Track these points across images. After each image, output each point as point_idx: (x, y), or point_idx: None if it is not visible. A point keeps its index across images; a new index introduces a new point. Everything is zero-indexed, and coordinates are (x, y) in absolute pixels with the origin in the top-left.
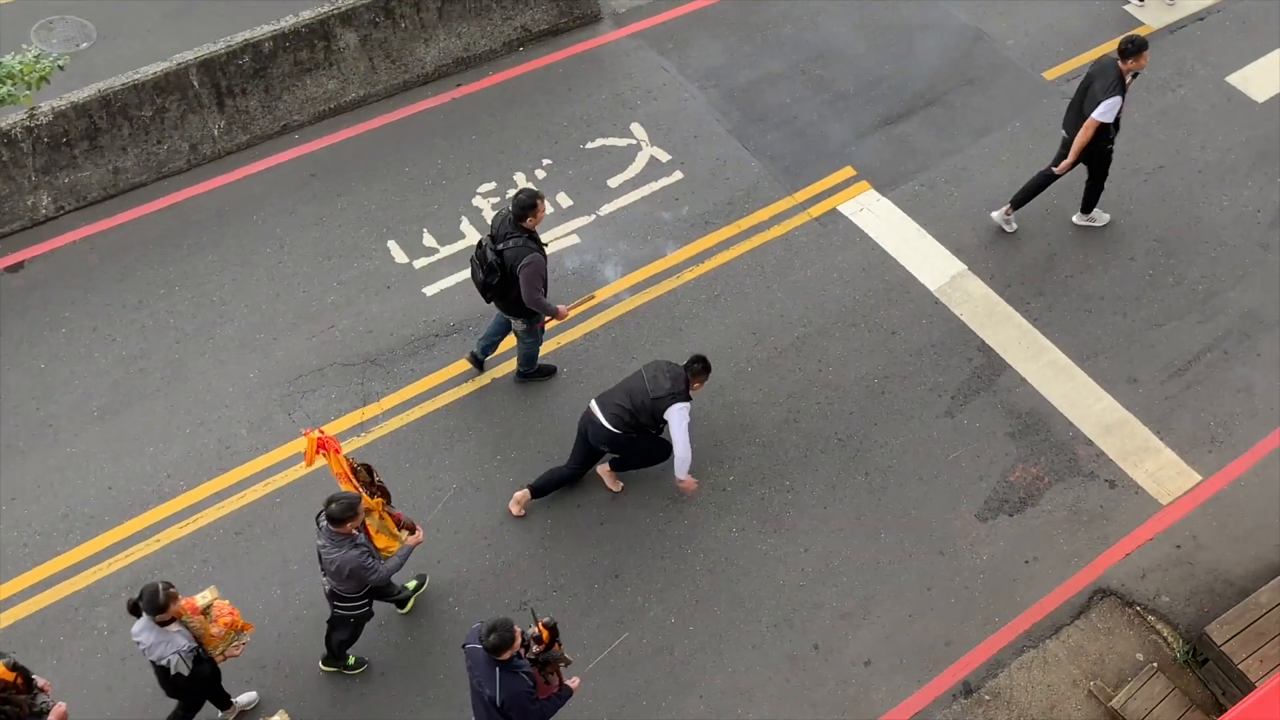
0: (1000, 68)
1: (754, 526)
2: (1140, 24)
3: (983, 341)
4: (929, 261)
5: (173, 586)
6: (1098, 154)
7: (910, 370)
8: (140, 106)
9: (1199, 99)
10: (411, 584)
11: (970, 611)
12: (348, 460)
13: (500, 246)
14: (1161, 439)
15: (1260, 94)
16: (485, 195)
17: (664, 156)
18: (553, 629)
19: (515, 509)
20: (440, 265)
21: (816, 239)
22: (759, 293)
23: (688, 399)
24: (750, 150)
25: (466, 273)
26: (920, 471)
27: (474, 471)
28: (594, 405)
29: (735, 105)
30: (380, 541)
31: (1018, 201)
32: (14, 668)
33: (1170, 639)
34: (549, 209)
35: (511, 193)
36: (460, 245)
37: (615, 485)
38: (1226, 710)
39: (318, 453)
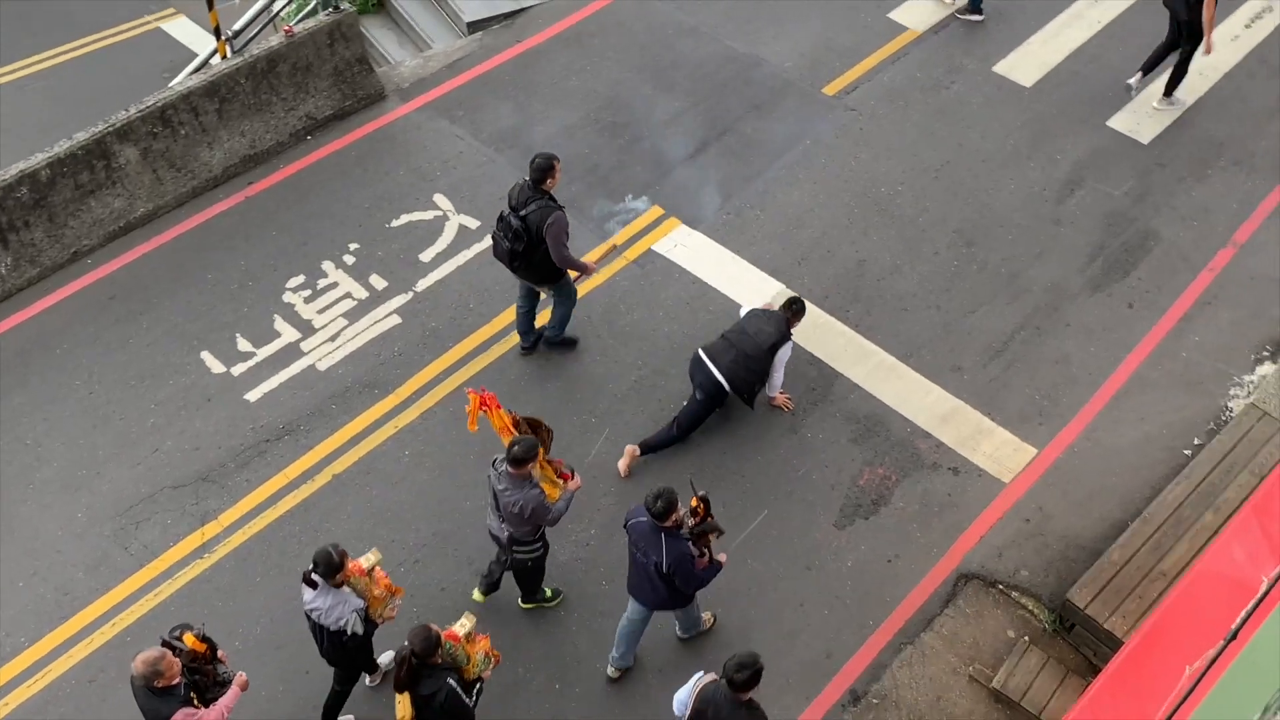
0: (783, 90)
1: (622, 575)
2: (906, 29)
3: (812, 354)
4: (746, 285)
5: (342, 547)
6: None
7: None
8: None
9: (972, 92)
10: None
11: (845, 620)
12: (509, 414)
13: (523, 213)
14: (993, 420)
15: (1027, 79)
16: (295, 290)
17: (473, 223)
18: (706, 501)
19: (624, 466)
20: (260, 368)
21: (637, 282)
22: (591, 342)
23: (790, 338)
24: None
25: (290, 372)
26: (775, 491)
27: None
28: (706, 359)
29: None
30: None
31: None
32: (202, 639)
33: (1036, 611)
34: (364, 293)
35: (323, 282)
36: (277, 345)
37: (627, 471)
38: (1101, 670)
39: (480, 409)
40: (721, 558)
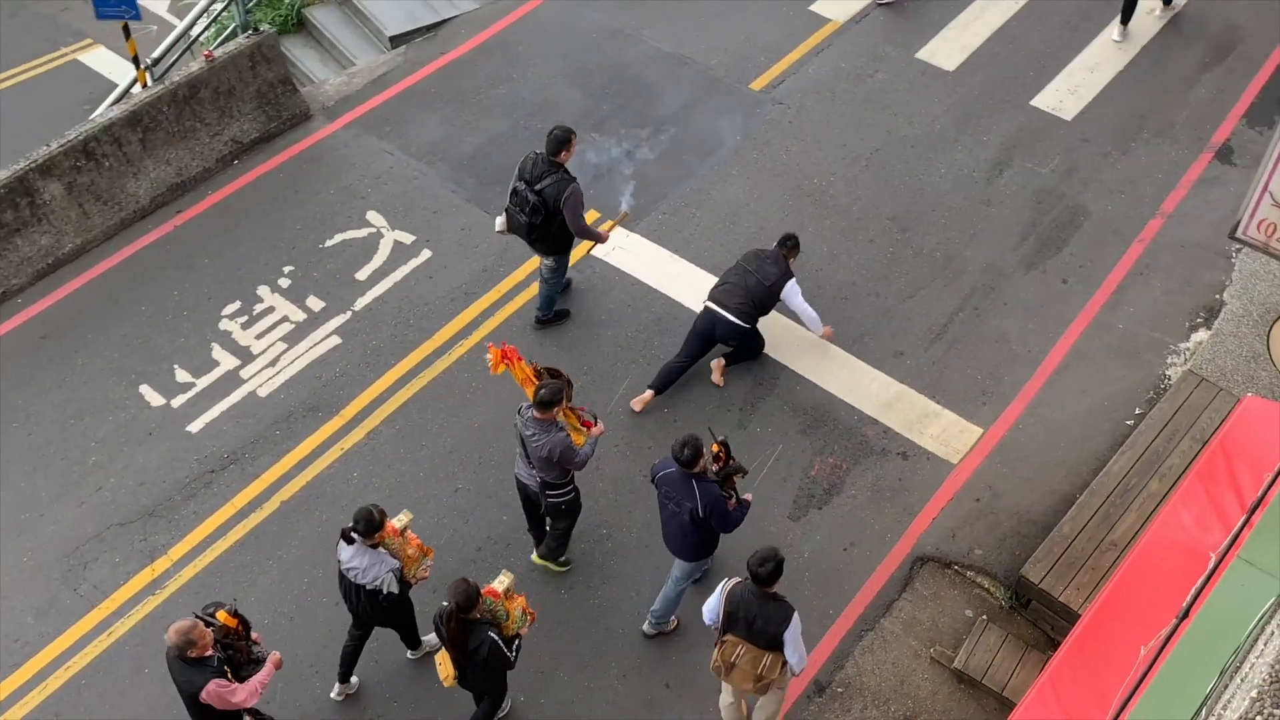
0: (710, 88)
1: (581, 584)
2: (828, 20)
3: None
4: (688, 284)
5: (381, 507)
6: None
7: (696, 391)
8: None
9: (896, 79)
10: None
11: (805, 611)
12: (531, 365)
13: (539, 186)
14: (938, 402)
15: (949, 63)
16: (232, 317)
17: (408, 238)
18: (726, 445)
19: (638, 406)
20: (200, 399)
21: (578, 287)
22: (534, 351)
23: (792, 274)
24: (493, 214)
25: (231, 400)
26: None
27: (284, 602)
28: (716, 307)
29: (467, 173)
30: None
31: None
32: (234, 615)
33: (992, 589)
34: (302, 315)
35: (259, 307)
36: (216, 374)
37: (721, 380)
38: (1061, 644)
39: (502, 362)
40: (747, 497)
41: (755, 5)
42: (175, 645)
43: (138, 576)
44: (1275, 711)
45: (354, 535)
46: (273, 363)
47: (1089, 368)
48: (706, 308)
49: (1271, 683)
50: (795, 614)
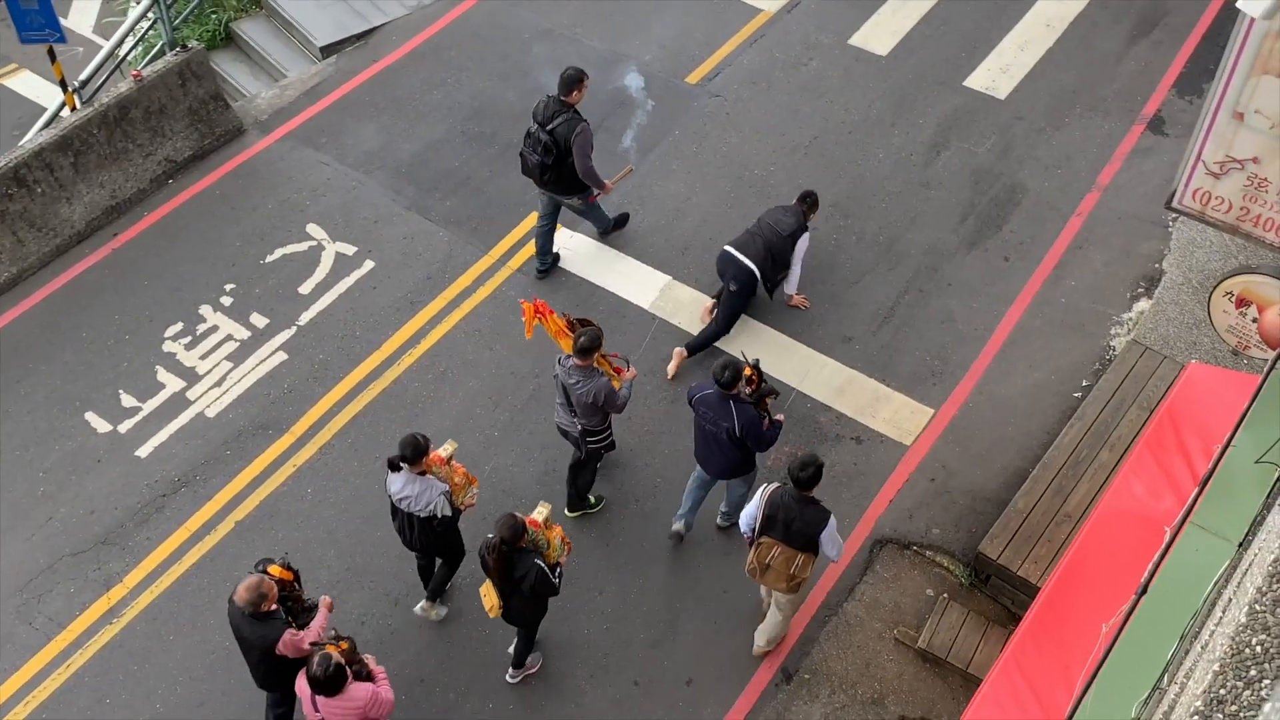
0: (646, 83)
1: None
2: (760, 10)
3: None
4: (635, 281)
5: (425, 435)
6: None
7: (649, 388)
8: None
9: (830, 66)
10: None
11: None
12: (563, 317)
13: (550, 126)
14: (888, 385)
15: (882, 48)
16: (175, 338)
17: (349, 249)
18: (758, 368)
19: (672, 369)
20: (148, 422)
21: (524, 290)
22: (484, 356)
23: (808, 229)
24: (434, 221)
25: (179, 423)
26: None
27: None
28: (734, 251)
29: (407, 181)
30: None
31: None
32: (286, 567)
33: (951, 567)
34: (246, 333)
35: (203, 327)
36: (163, 396)
37: (674, 372)
38: (1022, 618)
39: (535, 317)
40: (779, 417)
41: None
42: (248, 602)
43: (94, 606)
44: (1237, 684)
45: (401, 464)
46: (219, 382)
47: (1034, 343)
48: (724, 251)
49: (1233, 655)
50: (831, 515)
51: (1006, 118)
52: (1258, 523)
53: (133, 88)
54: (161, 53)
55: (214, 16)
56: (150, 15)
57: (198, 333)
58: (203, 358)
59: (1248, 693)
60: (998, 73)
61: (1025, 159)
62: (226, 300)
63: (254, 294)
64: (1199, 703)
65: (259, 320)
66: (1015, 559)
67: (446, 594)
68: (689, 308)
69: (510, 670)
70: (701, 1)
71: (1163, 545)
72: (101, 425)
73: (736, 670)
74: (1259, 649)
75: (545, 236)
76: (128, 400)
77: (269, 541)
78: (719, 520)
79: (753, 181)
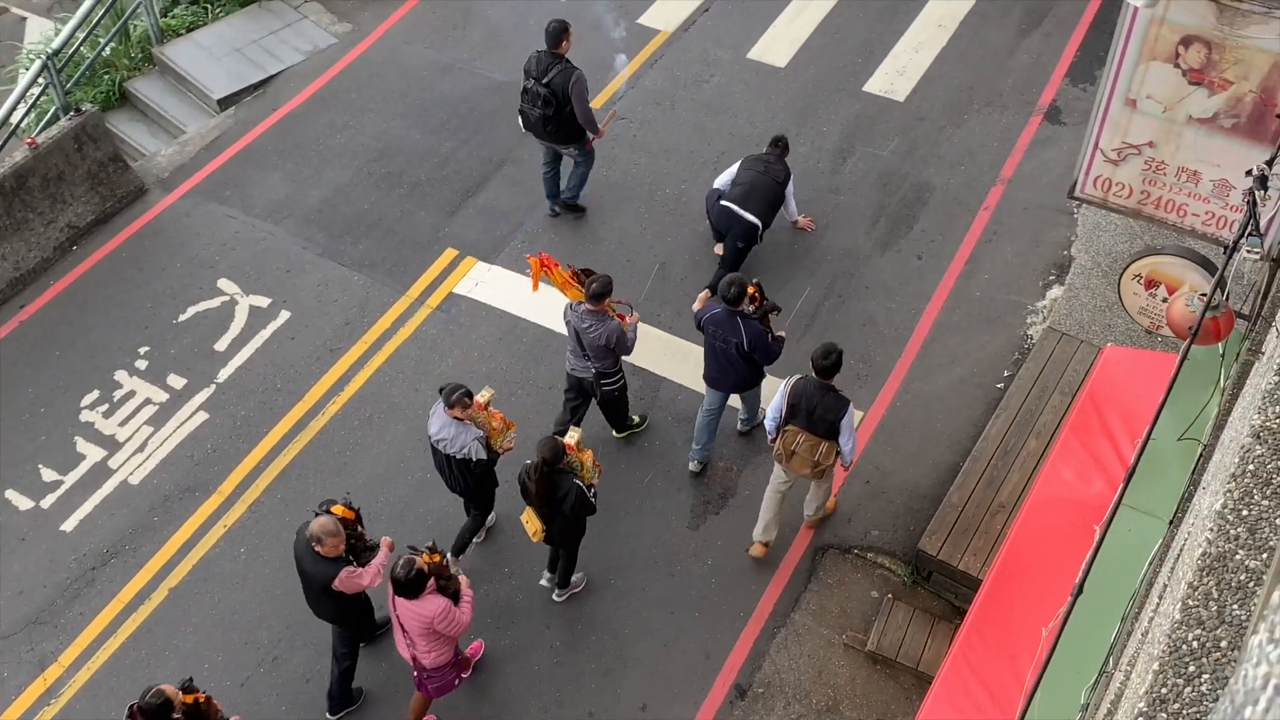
0: None
1: (490, 625)
2: (657, 31)
3: (633, 364)
4: (556, 311)
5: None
6: None
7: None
8: None
9: (732, 82)
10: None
11: (716, 617)
12: (568, 269)
13: (546, 79)
14: None
15: (780, 60)
16: (91, 407)
17: (263, 301)
18: (760, 287)
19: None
20: (71, 495)
21: (445, 327)
22: (409, 399)
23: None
24: (348, 266)
25: (103, 493)
26: (625, 507)
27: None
28: (734, 207)
29: (316, 227)
30: None
31: None
32: (349, 507)
33: (893, 567)
34: (164, 396)
35: (119, 393)
36: (84, 467)
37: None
38: (966, 612)
39: (542, 271)
40: (782, 334)
41: (582, 24)
42: (314, 536)
43: (30, 689)
44: (1178, 681)
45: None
46: (141, 448)
47: (954, 338)
48: (724, 207)
49: (1170, 653)
50: (851, 404)
51: (908, 119)
52: (1185, 499)
53: (28, 156)
54: (55, 118)
55: (106, 77)
56: (41, 80)
57: (115, 399)
58: (122, 424)
59: (1188, 689)
60: (895, 75)
61: (929, 158)
62: (142, 364)
63: (169, 355)
64: (1142, 704)
65: (176, 381)
66: (954, 553)
67: (466, 555)
68: None
69: (556, 591)
70: (599, 27)
71: (1093, 545)
72: (23, 502)
73: (690, 691)
74: (1195, 644)
75: (551, 181)
76: (48, 474)
77: (205, 605)
78: (739, 426)
79: (665, 201)
